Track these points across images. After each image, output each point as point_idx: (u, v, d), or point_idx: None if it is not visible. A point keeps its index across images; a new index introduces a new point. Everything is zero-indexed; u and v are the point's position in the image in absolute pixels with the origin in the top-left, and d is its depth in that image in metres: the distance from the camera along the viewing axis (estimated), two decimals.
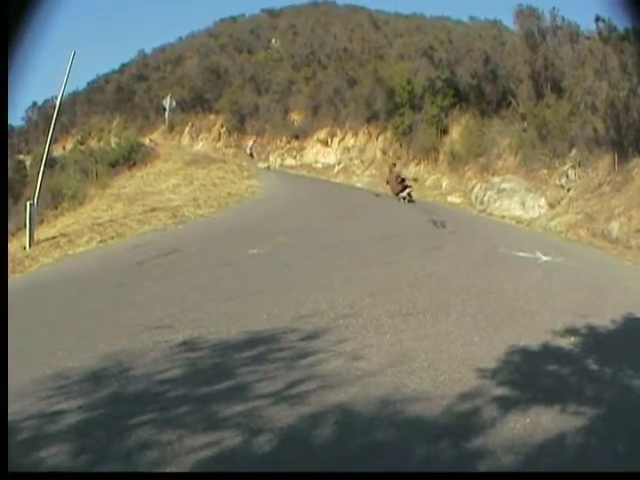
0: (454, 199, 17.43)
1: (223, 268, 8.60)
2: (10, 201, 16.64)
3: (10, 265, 9.85)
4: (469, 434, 3.43)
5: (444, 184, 18.69)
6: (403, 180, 16.57)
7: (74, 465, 3.10)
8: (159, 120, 33.94)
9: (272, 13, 45.29)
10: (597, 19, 14.33)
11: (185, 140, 32.58)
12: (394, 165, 18.02)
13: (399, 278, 7.65)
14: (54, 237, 12.38)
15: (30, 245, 11.85)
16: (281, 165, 26.48)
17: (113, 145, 25.67)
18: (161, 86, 35.79)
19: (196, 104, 33.22)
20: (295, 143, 27.01)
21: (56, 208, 16.36)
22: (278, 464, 3.12)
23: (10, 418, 3.01)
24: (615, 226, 11.96)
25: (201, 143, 31.72)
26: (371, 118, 22.92)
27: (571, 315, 6.11)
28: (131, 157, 22.05)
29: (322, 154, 25.27)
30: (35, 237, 12.18)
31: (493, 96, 19.08)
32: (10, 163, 23.77)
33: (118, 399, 4.00)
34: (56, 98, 15.71)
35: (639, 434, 3.63)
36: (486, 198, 16.09)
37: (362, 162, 22.92)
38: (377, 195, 16.49)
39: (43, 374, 4.55)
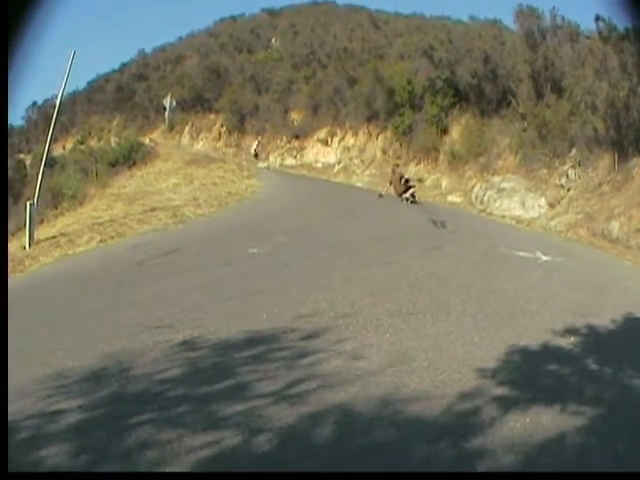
0: (454, 199, 17.41)
1: (223, 268, 8.60)
2: (10, 201, 16.62)
3: (10, 265, 9.86)
4: (469, 434, 3.43)
5: (444, 184, 18.67)
6: (407, 181, 16.49)
7: (74, 465, 3.10)
8: (159, 119, 33.90)
9: (272, 13, 45.27)
10: (597, 19, 14.36)
11: (185, 140, 32.56)
12: (397, 166, 17.90)
13: (399, 278, 7.66)
14: (54, 237, 12.39)
15: (30, 245, 11.86)
16: (281, 165, 26.45)
17: (113, 145, 25.65)
18: (161, 85, 35.79)
19: (196, 103, 33.20)
20: (295, 143, 26.97)
21: (56, 208, 16.36)
22: (278, 464, 3.12)
23: (10, 418, 3.01)
24: (615, 226, 11.95)
25: (201, 143, 31.70)
26: (371, 118, 22.88)
27: (571, 315, 6.11)
28: (131, 157, 22.02)
29: (322, 154, 25.23)
30: (35, 237, 12.19)
31: (493, 96, 19.05)
32: (10, 163, 23.74)
33: (118, 399, 4.01)
34: (56, 98, 15.76)
35: (639, 434, 3.64)
36: (486, 198, 16.08)
37: (362, 162, 22.88)
38: (380, 196, 16.39)
39: (43, 374, 4.56)
